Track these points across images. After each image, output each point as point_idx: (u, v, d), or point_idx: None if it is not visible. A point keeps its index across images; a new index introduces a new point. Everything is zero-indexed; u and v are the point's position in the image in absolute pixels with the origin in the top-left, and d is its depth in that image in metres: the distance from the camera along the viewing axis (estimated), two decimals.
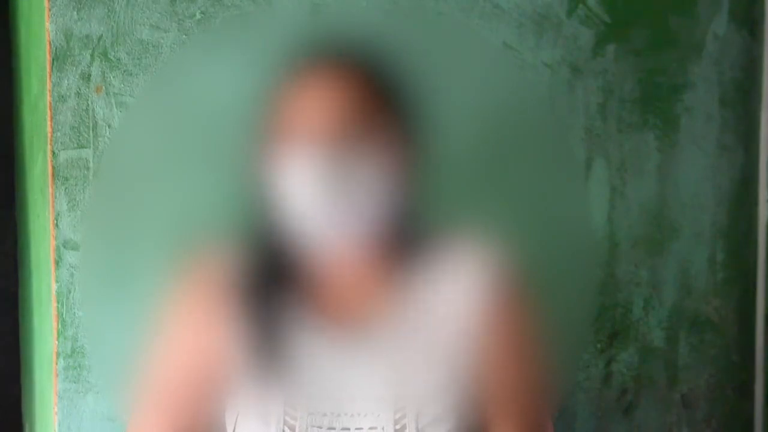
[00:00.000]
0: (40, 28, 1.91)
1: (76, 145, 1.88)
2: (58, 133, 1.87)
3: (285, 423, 1.36)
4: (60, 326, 1.88)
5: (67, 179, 1.88)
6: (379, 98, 1.36)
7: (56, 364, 1.89)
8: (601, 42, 2.10)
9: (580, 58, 2.09)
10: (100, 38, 1.88)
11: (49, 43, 1.86)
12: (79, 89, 1.87)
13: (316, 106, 1.34)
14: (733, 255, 2.22)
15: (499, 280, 1.42)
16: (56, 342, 1.89)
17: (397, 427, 1.35)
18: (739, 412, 2.25)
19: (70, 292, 1.89)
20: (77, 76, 1.87)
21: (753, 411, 2.26)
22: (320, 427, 1.36)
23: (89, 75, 1.88)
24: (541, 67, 2.06)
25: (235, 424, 1.40)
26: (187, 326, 1.44)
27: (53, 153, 1.87)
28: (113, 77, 1.88)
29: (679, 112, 2.16)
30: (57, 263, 1.88)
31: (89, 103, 1.88)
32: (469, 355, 1.40)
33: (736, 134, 2.21)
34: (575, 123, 2.10)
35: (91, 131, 1.88)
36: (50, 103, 1.87)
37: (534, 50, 2.05)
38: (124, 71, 1.89)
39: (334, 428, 1.36)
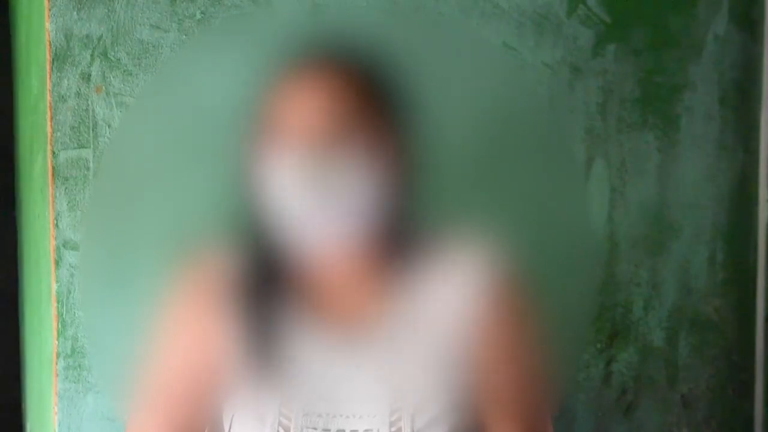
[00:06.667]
0: (40, 28, 1.91)
1: (76, 145, 1.88)
2: (58, 133, 1.87)
3: (280, 424, 1.36)
4: (60, 326, 1.88)
5: (67, 179, 1.88)
6: (378, 99, 1.36)
7: (56, 364, 1.89)
8: (601, 42, 2.10)
9: (580, 58, 2.09)
10: (100, 38, 1.88)
11: (49, 43, 1.86)
12: (79, 89, 1.87)
13: (315, 107, 1.34)
14: (733, 255, 2.22)
15: (498, 280, 1.42)
16: (56, 342, 1.89)
17: (393, 429, 1.35)
18: (739, 412, 2.25)
19: (70, 292, 1.89)
20: (77, 76, 1.87)
21: (753, 411, 2.26)
22: (315, 429, 1.36)
23: (89, 75, 1.88)
24: (541, 67, 2.06)
25: (231, 424, 1.40)
26: (186, 326, 1.44)
27: (53, 153, 1.87)
28: (113, 77, 1.88)
29: (679, 112, 2.16)
30: (57, 263, 1.88)
31: (89, 103, 1.88)
32: (467, 355, 1.40)
33: (736, 134, 2.21)
34: (575, 123, 2.10)
35: (91, 131, 1.88)
36: (50, 103, 1.87)
37: (534, 50, 2.05)
38: (124, 71, 1.89)
39: (329, 430, 1.36)
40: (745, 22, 2.20)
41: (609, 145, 2.12)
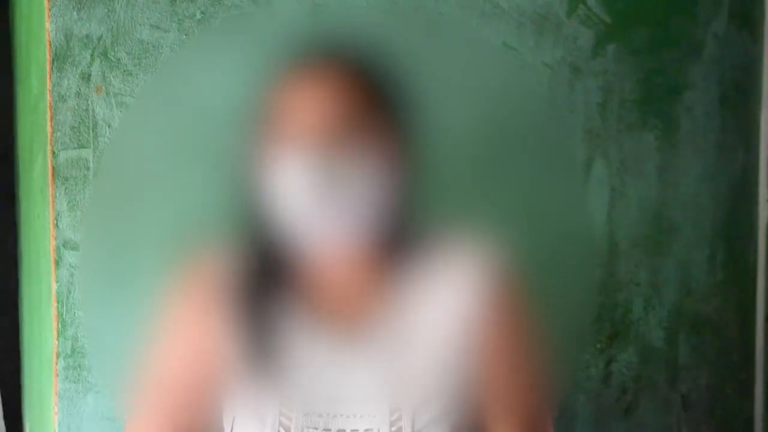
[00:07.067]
0: (40, 28, 1.91)
1: (76, 145, 1.88)
2: (58, 133, 1.87)
3: (280, 424, 1.36)
4: (60, 326, 1.88)
5: (67, 179, 1.88)
6: (378, 99, 1.36)
7: (56, 364, 1.89)
8: (601, 42, 2.10)
9: (580, 58, 2.09)
10: (100, 38, 1.88)
11: (49, 43, 1.86)
12: (79, 89, 1.87)
13: (315, 107, 1.34)
14: (733, 255, 2.22)
15: (498, 280, 1.42)
16: (56, 342, 1.89)
17: (393, 428, 1.35)
18: (739, 412, 2.25)
19: (70, 292, 1.89)
20: (77, 76, 1.87)
21: (753, 411, 2.26)
22: (316, 428, 1.36)
23: (89, 75, 1.88)
24: (541, 67, 2.06)
25: (232, 425, 1.40)
26: (186, 326, 1.44)
27: (53, 153, 1.87)
28: (113, 77, 1.88)
29: (679, 112, 2.16)
30: (57, 263, 1.88)
31: (89, 103, 1.88)
32: (467, 355, 1.40)
33: (736, 134, 2.21)
34: (575, 123, 2.10)
35: (91, 131, 1.88)
36: (50, 103, 1.87)
37: (534, 50, 2.05)
38: (124, 71, 1.89)
39: (329, 429, 1.36)
40: (745, 22, 2.19)
41: (609, 145, 2.12)
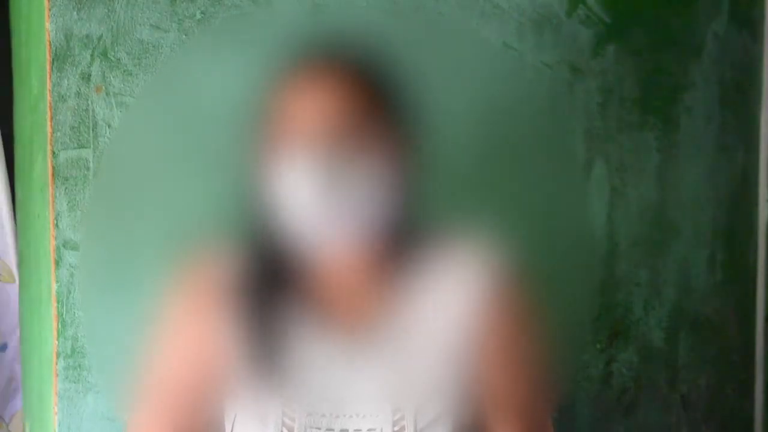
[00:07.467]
0: (40, 28, 1.91)
1: (76, 145, 1.88)
2: (58, 133, 1.87)
3: (283, 424, 1.36)
4: (60, 326, 1.88)
5: (67, 179, 1.88)
6: (379, 99, 1.37)
7: (56, 364, 1.89)
8: (601, 42, 2.10)
9: (580, 58, 2.08)
10: (100, 38, 1.88)
11: (49, 43, 1.86)
12: (79, 89, 1.87)
13: (315, 107, 1.34)
14: (733, 255, 2.22)
15: (498, 280, 1.42)
16: (56, 342, 1.89)
17: (396, 428, 1.35)
18: (739, 412, 2.25)
19: (70, 292, 1.88)
20: (77, 76, 1.87)
21: (753, 411, 2.26)
22: (319, 428, 1.36)
23: (89, 75, 1.88)
24: (541, 67, 2.06)
25: (233, 425, 1.40)
26: (187, 326, 1.44)
27: (53, 153, 1.87)
28: (113, 77, 1.88)
29: (679, 112, 2.16)
30: (57, 263, 1.88)
31: (89, 103, 1.88)
32: (468, 355, 1.40)
33: (736, 134, 2.21)
34: (575, 123, 2.10)
35: (91, 131, 1.88)
36: (50, 103, 1.87)
37: (534, 50, 2.05)
38: (124, 71, 1.89)
39: (332, 429, 1.36)
40: (745, 22, 2.19)
41: (609, 145, 2.12)
